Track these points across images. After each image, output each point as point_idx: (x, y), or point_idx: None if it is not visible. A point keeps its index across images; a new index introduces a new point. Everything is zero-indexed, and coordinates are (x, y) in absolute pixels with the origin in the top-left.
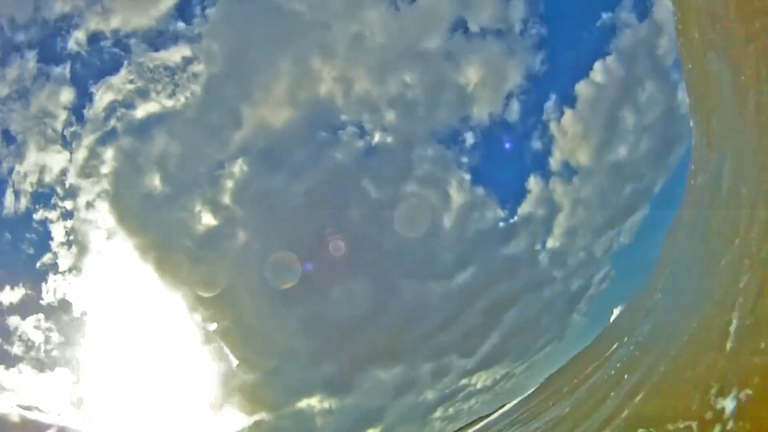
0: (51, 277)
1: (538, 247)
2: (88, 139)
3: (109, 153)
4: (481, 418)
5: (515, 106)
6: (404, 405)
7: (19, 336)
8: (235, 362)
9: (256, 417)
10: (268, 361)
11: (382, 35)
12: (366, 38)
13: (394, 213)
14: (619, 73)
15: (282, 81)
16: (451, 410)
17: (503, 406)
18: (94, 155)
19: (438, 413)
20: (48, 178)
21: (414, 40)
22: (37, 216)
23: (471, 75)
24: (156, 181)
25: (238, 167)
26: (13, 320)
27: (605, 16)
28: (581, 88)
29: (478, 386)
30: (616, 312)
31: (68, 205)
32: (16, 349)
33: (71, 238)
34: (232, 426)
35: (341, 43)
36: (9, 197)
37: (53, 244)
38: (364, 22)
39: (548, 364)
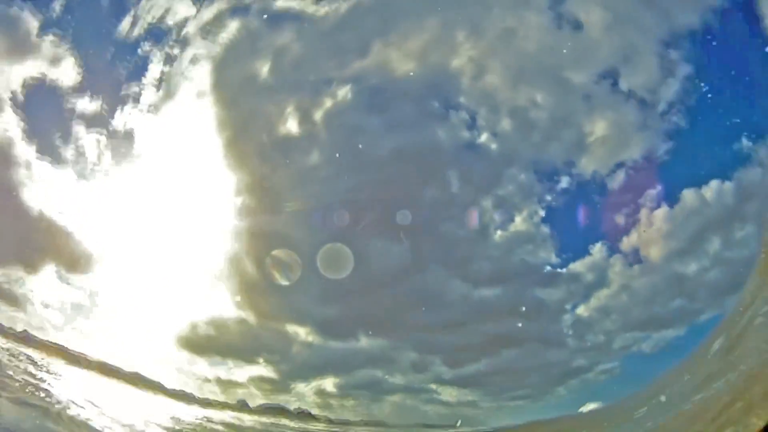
0: (129, 106)
1: (568, 306)
2: (220, 3)
3: (234, 24)
4: (427, 426)
5: (620, 177)
6: (370, 374)
7: (76, 143)
8: (246, 255)
9: (243, 314)
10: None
11: (534, 43)
12: (517, 37)
13: (461, 212)
14: (729, 202)
15: (422, 35)
16: (408, 402)
17: (451, 426)
18: (220, 20)
19: (394, 398)
20: (170, 20)
21: (561, 64)
22: (143, 48)
23: (597, 127)
24: (264, 69)
25: (344, 92)
26: (78, 127)
27: (745, 143)
28: (688, 194)
29: (442, 398)
30: (591, 406)
31: (176, 51)
32: (68, 152)
33: (164, 81)
34: (216, 309)
35: (493, 29)
36: (127, 20)
37: (145, 79)
38: (522, 21)
39: (513, 415)
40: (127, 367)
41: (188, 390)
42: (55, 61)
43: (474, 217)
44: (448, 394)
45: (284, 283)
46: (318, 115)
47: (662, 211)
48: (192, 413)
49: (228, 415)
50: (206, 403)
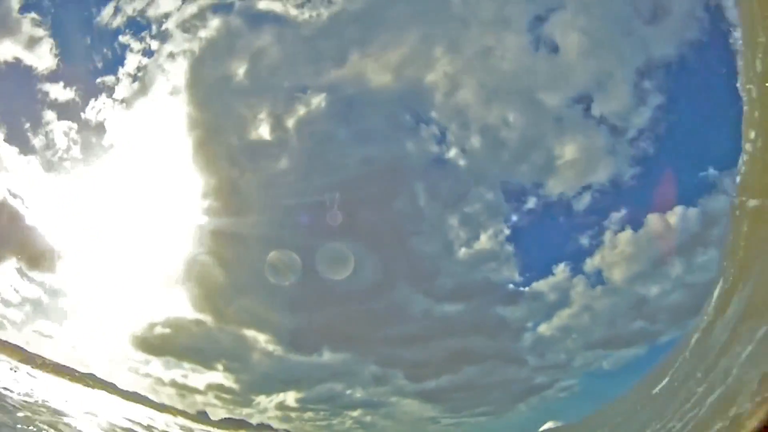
0: (102, 97)
1: (529, 324)
2: (202, 0)
3: (215, 22)
4: None
5: (586, 199)
6: (330, 389)
7: (46, 132)
8: (211, 260)
9: (200, 316)
10: (244, 278)
11: (510, 64)
12: (494, 57)
13: (425, 226)
14: (693, 228)
15: (401, 48)
16: (368, 418)
17: None
18: (201, 16)
19: (355, 413)
20: (151, 13)
21: (535, 86)
22: (122, 39)
23: (567, 151)
24: (241, 70)
25: (318, 100)
26: (49, 115)
27: (711, 172)
28: (652, 219)
29: (403, 410)
30: (549, 425)
31: (154, 45)
32: (37, 141)
33: (140, 75)
34: (175, 309)
35: (470, 47)
36: (109, 9)
37: (121, 71)
38: (501, 41)
39: (475, 431)
40: (82, 367)
41: (142, 393)
42: (31, 44)
43: (438, 232)
44: (409, 407)
45: (246, 287)
46: (290, 122)
47: (627, 234)
48: (147, 416)
49: (189, 425)
50: (162, 408)
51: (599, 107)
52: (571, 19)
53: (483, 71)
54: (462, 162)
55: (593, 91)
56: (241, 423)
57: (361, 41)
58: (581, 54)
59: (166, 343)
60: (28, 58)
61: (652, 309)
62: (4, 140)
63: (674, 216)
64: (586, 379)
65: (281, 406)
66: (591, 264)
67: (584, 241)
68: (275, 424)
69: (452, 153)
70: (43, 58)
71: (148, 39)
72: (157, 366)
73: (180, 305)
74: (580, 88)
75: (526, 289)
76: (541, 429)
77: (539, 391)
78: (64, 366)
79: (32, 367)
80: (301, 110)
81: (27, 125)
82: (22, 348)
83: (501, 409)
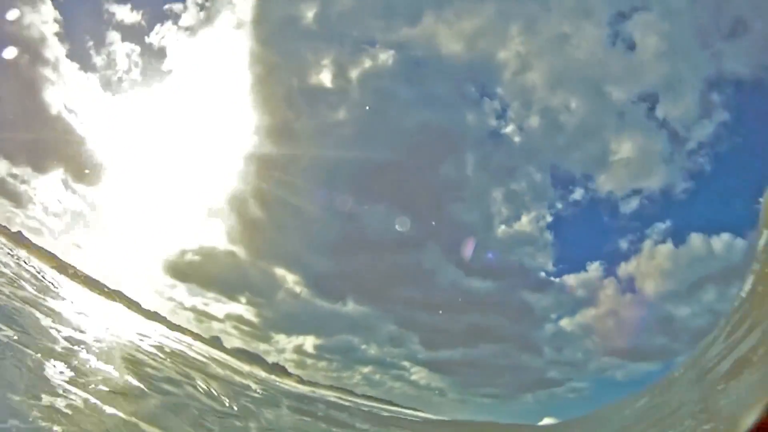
0: (167, 24)
1: (553, 316)
2: None
3: None
4: (392, 404)
5: (634, 202)
6: (348, 340)
7: (108, 52)
8: (253, 195)
9: (235, 248)
10: (283, 215)
11: (583, 53)
12: (569, 44)
13: (469, 195)
14: (735, 258)
15: (477, 19)
16: (377, 376)
17: (416, 410)
18: None
19: (366, 369)
20: None
21: (604, 78)
22: None
23: (623, 148)
24: (310, 13)
25: (385, 56)
26: (113, 35)
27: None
28: (695, 239)
29: (412, 377)
30: (548, 420)
31: None
32: (98, 59)
33: (207, 4)
34: (208, 239)
35: (548, 31)
36: None
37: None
38: (578, 30)
39: (477, 411)
40: (112, 283)
41: (162, 314)
42: None
43: (482, 206)
44: (418, 375)
45: (284, 226)
46: (354, 73)
47: (667, 247)
48: (165, 336)
49: (201, 349)
50: (179, 329)
51: (664, 109)
52: (653, 20)
53: (555, 55)
54: (517, 138)
55: (660, 92)
56: (255, 358)
57: (438, 4)
58: (655, 55)
59: (194, 270)
60: None
61: (677, 329)
62: (66, 56)
63: (719, 242)
64: (598, 386)
65: (299, 350)
66: (625, 269)
67: (623, 244)
68: (290, 368)
69: (509, 129)
70: None
71: None
72: (181, 291)
73: (215, 235)
74: (647, 86)
75: (557, 280)
76: (541, 423)
77: (549, 386)
78: (95, 279)
79: (64, 276)
80: (367, 63)
81: (90, 43)
82: (56, 256)
83: (507, 394)
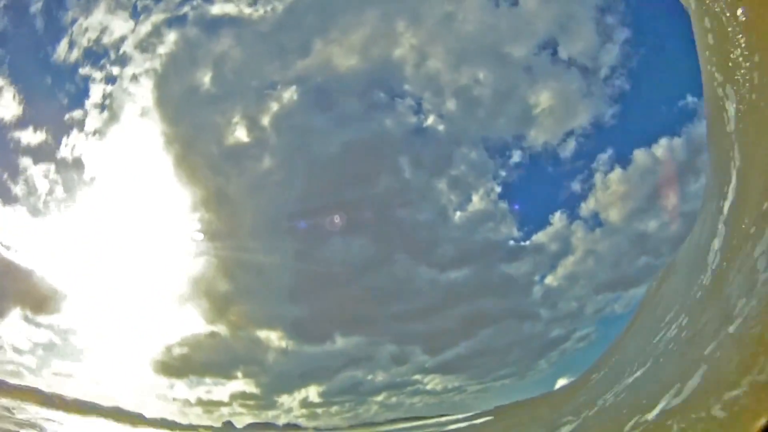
0: (74, 133)
1: (536, 278)
2: (156, 17)
3: (172, 36)
4: (418, 418)
5: (571, 144)
6: (351, 376)
7: (25, 178)
8: (213, 269)
9: (214, 328)
10: (247, 279)
11: (473, 24)
12: (456, 20)
13: (414, 196)
14: (681, 157)
15: (363, 29)
16: (393, 399)
17: (443, 416)
18: (157, 33)
19: (380, 397)
20: (106, 40)
21: (500, 41)
22: (82, 71)
23: (542, 98)
24: (206, 79)
25: (289, 94)
26: (25, 161)
27: (690, 100)
28: (639, 155)
29: (428, 387)
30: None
31: (115, 71)
32: (18, 189)
33: (106, 103)
34: (188, 327)
35: (431, 16)
36: (64, 45)
37: (87, 103)
38: (460, 4)
39: (501, 395)
40: (106, 402)
41: (170, 417)
42: None
43: (431, 198)
44: (433, 383)
45: (249, 289)
46: (265, 120)
47: (617, 174)
48: None
49: None
50: (191, 429)
51: (566, 50)
52: None
53: (447, 37)
54: (440, 127)
55: (557, 35)
56: (267, 426)
57: (321, 28)
58: (539, 2)
59: (186, 363)
60: None
61: (654, 243)
62: None
63: (660, 148)
64: (602, 326)
65: (305, 403)
66: (586, 208)
67: (576, 186)
68: (303, 423)
69: (430, 120)
70: (7, 106)
71: (108, 66)
72: (181, 388)
73: (191, 321)
74: (543, 35)
75: (527, 243)
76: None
77: (557, 345)
78: (87, 402)
79: (53, 409)
80: (274, 106)
81: (5, 175)
82: (40, 390)
83: (523, 368)
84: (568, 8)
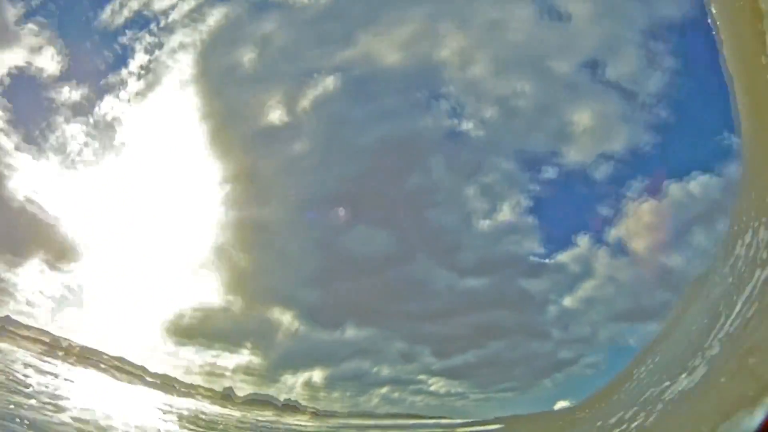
0: (110, 96)
1: (553, 297)
2: None
3: (218, 11)
4: (416, 417)
5: (605, 168)
6: (358, 366)
7: (59, 133)
8: (234, 244)
9: (229, 298)
10: (267, 258)
11: (519, 34)
12: (503, 28)
13: (443, 198)
14: (713, 195)
15: (408, 25)
16: (396, 395)
17: (441, 418)
18: (204, 6)
19: (383, 390)
20: (154, 7)
21: (546, 54)
22: (126, 37)
23: (581, 117)
24: (247, 58)
25: (330, 82)
26: (61, 117)
27: (730, 139)
28: (674, 188)
29: (431, 388)
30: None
31: (158, 40)
32: (51, 143)
33: (146, 70)
34: (203, 295)
35: (479, 20)
36: (112, 7)
37: (128, 68)
38: (509, 12)
39: (501, 406)
40: (112, 352)
41: (172, 375)
42: (37, 50)
43: (459, 203)
44: (436, 385)
45: (269, 268)
46: (303, 105)
47: (648, 205)
48: (176, 400)
49: (214, 405)
50: (190, 389)
51: (610, 71)
52: None
53: (493, 44)
54: (477, 133)
55: (602, 56)
56: (267, 401)
57: (367, 20)
58: (588, 19)
59: (196, 329)
60: (36, 62)
61: (677, 279)
62: (18, 147)
63: (695, 183)
64: (612, 355)
65: (308, 384)
66: (613, 234)
67: (605, 211)
68: (303, 402)
69: (466, 125)
70: (50, 62)
71: (152, 34)
72: (188, 351)
73: (207, 290)
74: (588, 53)
75: (549, 261)
76: (557, 407)
77: (564, 367)
78: (93, 349)
79: (59, 353)
80: (313, 93)
81: (39, 129)
82: (50, 333)
83: (526, 384)
84: (618, 30)
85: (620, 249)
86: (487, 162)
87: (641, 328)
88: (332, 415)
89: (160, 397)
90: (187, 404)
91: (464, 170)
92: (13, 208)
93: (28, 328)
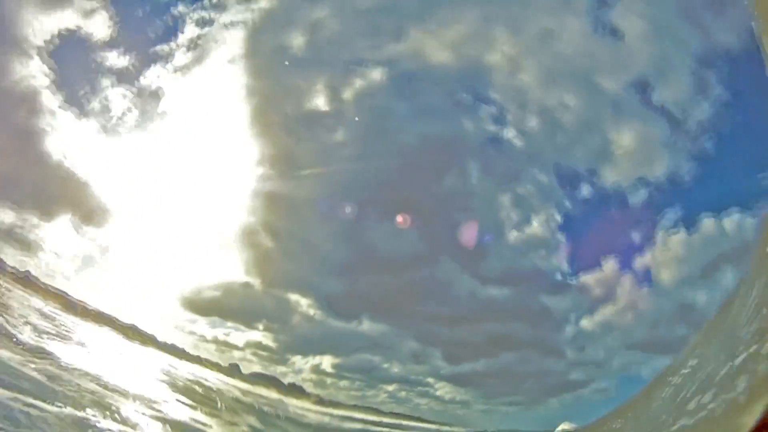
0: (157, 66)
1: (572, 317)
2: None
3: None
4: (418, 419)
5: (641, 193)
6: (369, 360)
7: (102, 97)
8: (263, 225)
9: (249, 279)
10: (293, 242)
11: (571, 46)
12: (555, 39)
13: (476, 204)
14: (749, 236)
15: (461, 26)
16: (402, 394)
17: (443, 424)
18: None
19: (390, 387)
20: None
21: (595, 70)
22: (179, 9)
23: (624, 138)
24: (298, 41)
25: (376, 74)
26: (106, 81)
27: None
28: (707, 223)
29: (437, 393)
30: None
31: (212, 15)
32: (93, 105)
33: (196, 44)
34: (223, 270)
35: (533, 28)
36: None
37: (177, 40)
38: (563, 23)
39: (503, 420)
40: (125, 318)
41: (180, 345)
42: (89, 13)
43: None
44: (443, 390)
45: (294, 252)
46: (348, 94)
47: (681, 235)
48: (183, 369)
49: (218, 378)
50: (196, 361)
51: (658, 94)
52: (636, 3)
53: (543, 53)
54: (517, 142)
55: (652, 78)
56: (273, 381)
57: (419, 17)
58: (642, 39)
59: (213, 304)
60: (86, 26)
61: (698, 316)
62: (62, 106)
63: (730, 221)
64: (623, 384)
65: (316, 369)
66: (641, 262)
67: (636, 237)
68: (308, 387)
69: (508, 133)
70: (100, 26)
71: (205, 8)
72: (202, 325)
73: (229, 269)
74: (638, 73)
75: (573, 280)
76: (558, 429)
77: (573, 388)
78: (107, 314)
79: (74, 315)
80: (359, 83)
81: (84, 91)
82: (67, 294)
83: (532, 400)
84: (671, 52)
85: (645, 277)
86: (525, 173)
87: (655, 360)
88: (336, 404)
89: (164, 364)
90: (189, 374)
91: (500, 178)
92: (48, 165)
93: (49, 288)
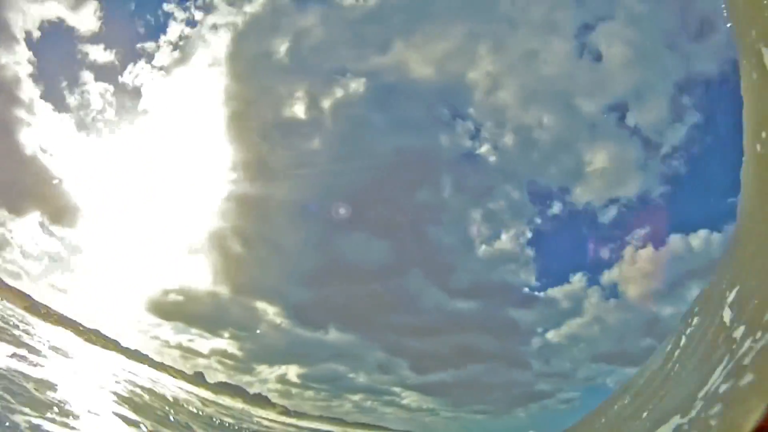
0: (141, 63)
1: (539, 330)
2: None
3: None
4: (385, 429)
5: (612, 211)
6: (335, 369)
7: (82, 91)
8: (233, 230)
9: (218, 288)
10: (262, 250)
11: (552, 68)
12: (538, 60)
13: (447, 218)
14: (716, 253)
15: (445, 42)
16: (368, 403)
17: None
18: None
19: (356, 397)
20: None
21: (574, 91)
22: (166, 7)
23: (598, 158)
24: (281, 47)
25: (357, 85)
26: (86, 76)
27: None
28: (675, 241)
29: (404, 402)
30: None
31: (198, 16)
32: (72, 99)
33: (181, 44)
34: (192, 276)
35: (516, 47)
36: None
37: (162, 39)
38: (546, 44)
39: (469, 428)
40: (88, 323)
41: (144, 352)
42: (74, 6)
43: (461, 227)
44: (409, 399)
45: (263, 260)
46: (327, 103)
47: (647, 251)
48: (145, 375)
49: (182, 387)
50: (160, 367)
51: (635, 117)
52: (619, 29)
53: (525, 72)
54: (492, 158)
55: (630, 101)
56: (237, 390)
57: (405, 31)
58: (623, 64)
59: (178, 309)
60: (71, 19)
61: (663, 329)
62: (41, 97)
63: (698, 239)
64: (588, 394)
65: (282, 380)
66: (608, 277)
67: (605, 253)
68: (273, 398)
69: (483, 149)
70: (85, 19)
71: (192, 9)
72: (166, 330)
73: (196, 274)
74: (617, 96)
75: (541, 294)
76: None
77: (539, 399)
78: (70, 319)
79: (38, 318)
80: (339, 93)
81: (64, 83)
82: (30, 297)
83: (499, 410)
84: (649, 77)
85: (612, 292)
86: (497, 189)
87: (620, 371)
88: (302, 415)
89: (127, 369)
90: (152, 380)
91: (473, 193)
92: (22, 159)
93: (13, 289)
